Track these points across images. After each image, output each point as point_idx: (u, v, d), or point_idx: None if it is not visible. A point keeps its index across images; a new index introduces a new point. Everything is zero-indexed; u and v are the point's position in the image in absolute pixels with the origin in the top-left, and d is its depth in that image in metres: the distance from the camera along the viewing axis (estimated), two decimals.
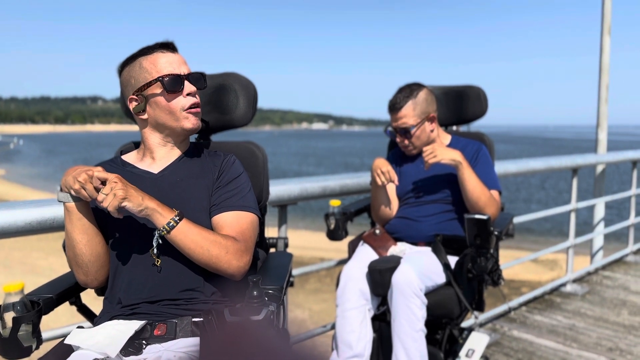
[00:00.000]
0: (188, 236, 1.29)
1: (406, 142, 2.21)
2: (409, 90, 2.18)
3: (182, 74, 1.41)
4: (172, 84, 1.38)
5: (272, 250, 1.90)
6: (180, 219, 1.28)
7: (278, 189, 2.31)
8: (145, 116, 1.44)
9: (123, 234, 1.33)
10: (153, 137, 1.47)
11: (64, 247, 1.44)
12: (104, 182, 1.25)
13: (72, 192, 1.26)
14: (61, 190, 1.28)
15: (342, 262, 2.78)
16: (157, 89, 1.40)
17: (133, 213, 1.25)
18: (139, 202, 1.23)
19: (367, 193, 2.76)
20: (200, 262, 1.32)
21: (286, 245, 1.91)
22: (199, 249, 1.29)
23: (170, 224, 1.27)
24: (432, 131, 2.22)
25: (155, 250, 1.32)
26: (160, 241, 1.31)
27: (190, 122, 1.43)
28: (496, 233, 1.95)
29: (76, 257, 1.33)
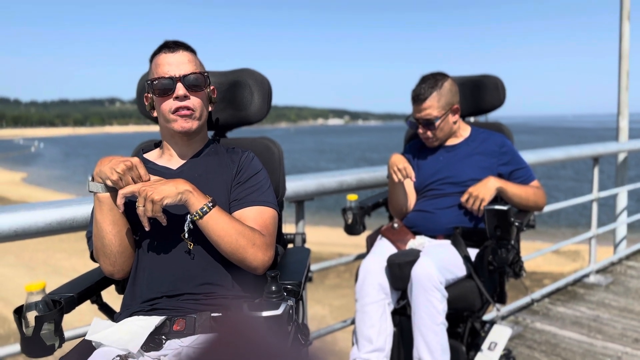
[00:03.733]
0: (219, 223, 1.29)
1: (429, 133, 2.18)
2: (433, 81, 2.13)
3: (175, 75, 1.39)
4: (160, 87, 1.39)
5: (290, 245, 1.90)
6: (213, 206, 1.29)
7: (295, 184, 2.31)
8: (155, 114, 1.48)
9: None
10: (165, 134, 1.50)
11: (87, 237, 1.45)
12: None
13: (108, 183, 1.27)
14: (92, 180, 1.29)
15: (361, 257, 2.77)
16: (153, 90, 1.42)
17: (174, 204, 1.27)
18: (175, 192, 1.25)
19: (384, 187, 2.74)
20: (226, 252, 1.32)
21: (304, 241, 1.90)
22: (227, 238, 1.30)
23: (204, 209, 1.28)
24: (454, 123, 2.20)
25: (186, 235, 1.33)
26: (192, 226, 1.31)
27: (178, 124, 1.42)
28: (517, 224, 1.92)
29: (104, 247, 1.34)
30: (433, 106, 2.12)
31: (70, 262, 10.72)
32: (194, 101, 1.42)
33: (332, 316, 7.47)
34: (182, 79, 1.39)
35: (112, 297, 1.62)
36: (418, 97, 2.14)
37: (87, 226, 1.73)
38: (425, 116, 2.14)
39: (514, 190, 2.09)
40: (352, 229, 2.26)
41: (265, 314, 1.02)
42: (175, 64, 1.40)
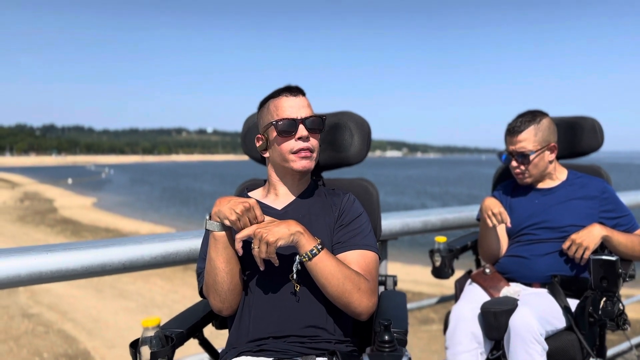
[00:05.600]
0: (327, 266, 1.30)
1: (522, 167, 2.11)
2: (531, 116, 2.09)
3: (298, 117, 1.45)
4: (284, 127, 1.44)
5: (381, 288, 1.87)
6: (322, 248, 1.30)
7: None
8: (267, 154, 1.53)
9: (255, 266, 1.36)
10: (274, 174, 1.54)
11: (198, 274, 1.49)
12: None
13: (227, 222, 1.30)
14: (210, 218, 1.33)
15: (444, 300, 2.70)
16: (274, 131, 1.46)
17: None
18: (288, 233, 1.27)
19: (469, 228, 2.68)
20: (332, 295, 1.32)
21: (395, 284, 1.87)
22: (334, 281, 1.30)
23: (313, 252, 1.29)
24: (550, 162, 2.13)
25: (294, 276, 1.34)
26: (300, 267, 1.33)
27: (298, 164, 1.46)
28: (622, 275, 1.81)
29: (216, 284, 1.37)
30: (529, 139, 2.07)
31: (135, 286, 11.02)
32: (313, 142, 1.48)
33: None
34: (304, 121, 1.45)
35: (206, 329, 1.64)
36: (514, 129, 2.09)
37: (188, 260, 1.77)
38: (519, 149, 2.08)
39: (620, 239, 1.99)
40: (440, 273, 2.20)
41: None
42: (297, 107, 1.46)
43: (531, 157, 2.07)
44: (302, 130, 1.45)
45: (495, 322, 1.85)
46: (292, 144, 1.45)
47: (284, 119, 1.44)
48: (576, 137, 2.28)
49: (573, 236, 1.97)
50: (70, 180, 57.09)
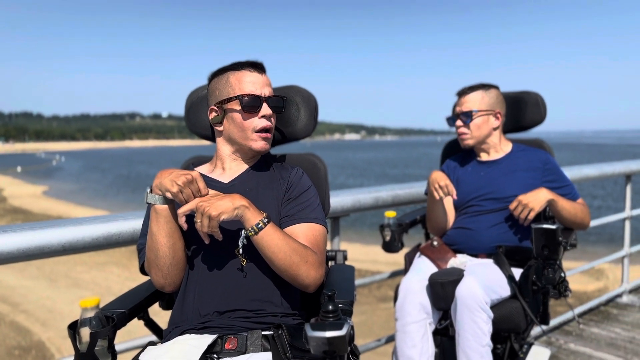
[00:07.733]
0: (274, 239, 1.29)
1: (464, 129, 2.17)
2: (481, 84, 2.18)
3: (263, 95, 1.43)
4: (250, 104, 1.41)
5: (331, 263, 1.88)
6: (268, 221, 1.29)
7: (331, 200, 2.29)
8: (221, 128, 1.49)
9: (198, 241, 1.34)
10: (225, 149, 1.51)
11: (139, 250, 1.45)
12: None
13: (168, 195, 1.27)
14: (151, 191, 1.30)
15: (395, 274, 2.74)
16: (236, 105, 1.43)
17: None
18: (232, 208, 1.24)
19: (420, 204, 2.72)
20: (279, 268, 1.32)
21: (345, 258, 1.88)
22: (281, 254, 1.29)
23: (259, 226, 1.27)
24: (494, 129, 2.19)
25: (240, 251, 1.33)
26: (246, 242, 1.31)
27: (258, 144, 1.45)
28: (563, 243, 1.88)
29: (158, 259, 1.34)
30: (475, 101, 2.15)
31: (91, 275, 10.79)
32: (273, 122, 1.48)
33: None
34: (268, 99, 1.44)
35: (152, 310, 1.62)
36: (462, 92, 2.18)
37: (132, 242, 1.73)
38: (464, 108, 2.16)
39: (564, 204, 2.05)
40: (390, 247, 2.23)
41: (328, 334, 1.00)
42: (260, 85, 1.45)
43: (474, 114, 2.14)
44: (265, 109, 1.44)
45: (442, 292, 1.89)
46: (255, 122, 1.44)
47: (249, 94, 1.42)
48: (521, 111, 2.33)
49: (520, 197, 2.02)
50: (19, 169, 55.07)
